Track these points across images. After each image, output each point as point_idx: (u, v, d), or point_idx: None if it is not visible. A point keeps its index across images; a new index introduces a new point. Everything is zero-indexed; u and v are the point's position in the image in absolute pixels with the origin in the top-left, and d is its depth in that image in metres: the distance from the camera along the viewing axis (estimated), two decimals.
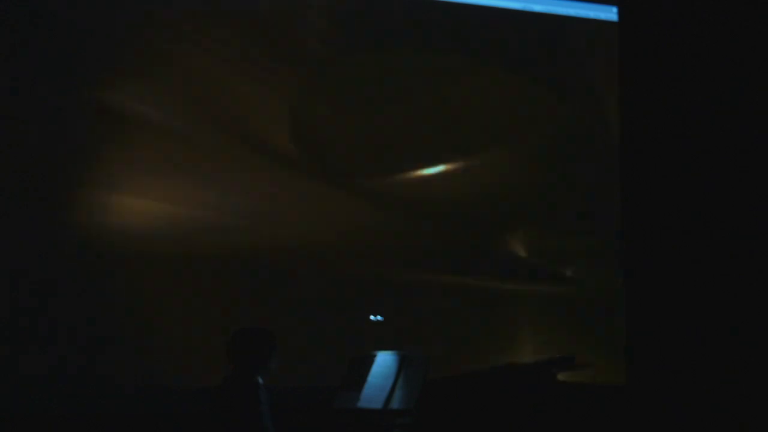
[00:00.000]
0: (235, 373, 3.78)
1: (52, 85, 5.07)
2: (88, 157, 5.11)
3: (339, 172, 5.57)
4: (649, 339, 6.00)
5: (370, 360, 4.11)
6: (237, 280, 5.26)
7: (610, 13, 6.27)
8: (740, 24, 6.11)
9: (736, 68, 6.11)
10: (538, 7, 6.11)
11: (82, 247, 5.03)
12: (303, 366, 5.03)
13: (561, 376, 4.36)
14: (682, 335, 5.93)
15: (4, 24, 5.03)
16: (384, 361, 4.06)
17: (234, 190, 5.33)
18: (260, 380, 3.75)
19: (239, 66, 5.41)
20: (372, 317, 4.49)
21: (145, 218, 5.16)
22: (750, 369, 5.74)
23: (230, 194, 5.32)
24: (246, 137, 5.41)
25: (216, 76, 5.37)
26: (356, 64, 5.66)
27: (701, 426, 5.54)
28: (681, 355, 5.89)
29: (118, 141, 5.15)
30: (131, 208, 5.15)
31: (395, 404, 3.90)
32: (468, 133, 5.86)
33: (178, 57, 5.30)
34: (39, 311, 4.92)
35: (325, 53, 5.60)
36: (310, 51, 5.57)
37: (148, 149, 5.21)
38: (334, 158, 5.59)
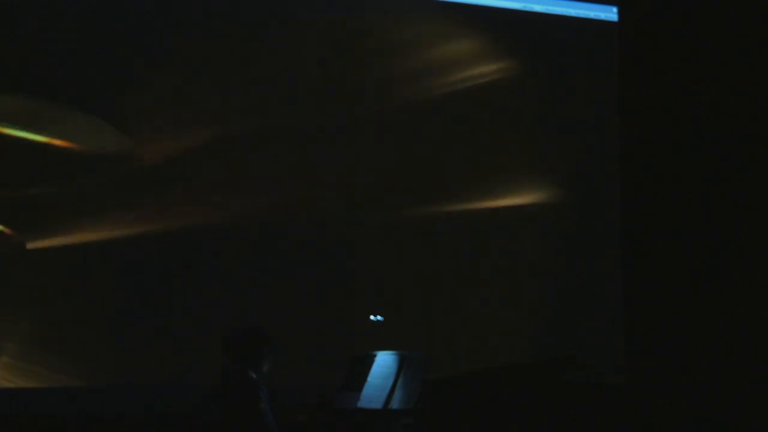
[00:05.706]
0: (231, 369, 3.76)
1: None
2: None
3: (340, 172, 5.58)
4: (649, 339, 5.99)
5: (370, 360, 4.10)
6: (237, 280, 5.26)
7: (610, 13, 6.27)
8: (740, 24, 6.10)
9: (736, 68, 6.10)
10: (538, 7, 6.11)
11: (82, 248, 5.04)
12: (303, 366, 5.03)
13: (561, 376, 4.35)
14: (681, 335, 5.93)
15: None
16: (384, 361, 4.06)
17: (234, 190, 5.34)
18: (254, 376, 3.73)
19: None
20: (372, 317, 4.49)
21: (143, 217, 5.16)
22: (750, 369, 5.74)
23: (230, 194, 5.33)
24: (245, 134, 5.41)
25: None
26: (350, 65, 5.68)
27: (701, 426, 5.54)
28: (681, 355, 5.89)
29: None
30: (127, 207, 5.15)
31: (395, 404, 3.90)
32: (467, 132, 5.86)
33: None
34: (38, 310, 4.92)
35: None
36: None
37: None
38: (335, 158, 5.59)
